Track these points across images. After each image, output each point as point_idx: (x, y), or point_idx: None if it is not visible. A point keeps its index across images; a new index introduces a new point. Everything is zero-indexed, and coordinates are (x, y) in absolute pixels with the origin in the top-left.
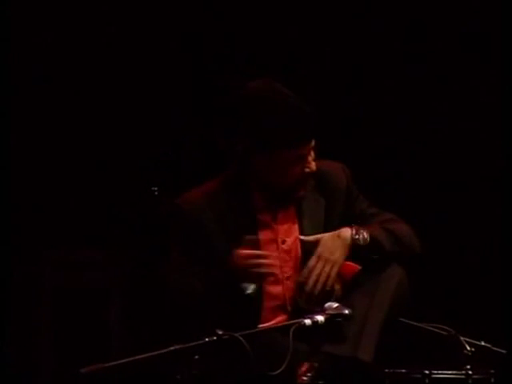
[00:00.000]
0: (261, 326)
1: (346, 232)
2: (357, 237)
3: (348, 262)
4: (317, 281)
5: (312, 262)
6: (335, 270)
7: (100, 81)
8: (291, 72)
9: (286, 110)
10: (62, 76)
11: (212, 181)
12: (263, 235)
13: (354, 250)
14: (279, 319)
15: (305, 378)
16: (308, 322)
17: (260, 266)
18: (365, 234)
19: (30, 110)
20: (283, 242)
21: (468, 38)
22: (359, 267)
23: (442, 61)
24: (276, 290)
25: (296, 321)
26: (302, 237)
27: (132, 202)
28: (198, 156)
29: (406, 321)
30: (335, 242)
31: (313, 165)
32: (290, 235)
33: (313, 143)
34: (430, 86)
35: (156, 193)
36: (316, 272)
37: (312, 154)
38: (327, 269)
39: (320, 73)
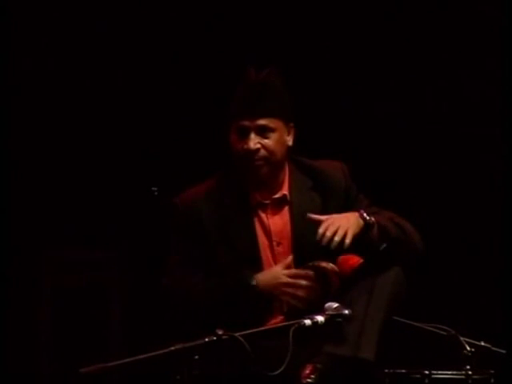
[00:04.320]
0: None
1: (355, 213)
2: (365, 215)
3: (350, 255)
4: (332, 238)
5: (328, 221)
6: (350, 233)
7: (100, 80)
8: (291, 72)
9: (241, 85)
10: (62, 76)
11: (209, 179)
12: (260, 237)
13: (363, 238)
14: (276, 321)
15: (308, 380)
16: (308, 322)
17: (300, 287)
18: (372, 217)
19: (30, 109)
20: (278, 244)
21: (468, 39)
22: (361, 260)
23: (442, 60)
24: None
25: (296, 321)
26: (311, 215)
27: (132, 202)
28: (198, 156)
29: (406, 321)
30: (347, 215)
31: (251, 143)
32: (284, 237)
33: (261, 122)
34: (431, 86)
35: (156, 193)
36: (332, 229)
37: (254, 135)
38: (342, 231)
39: (321, 72)
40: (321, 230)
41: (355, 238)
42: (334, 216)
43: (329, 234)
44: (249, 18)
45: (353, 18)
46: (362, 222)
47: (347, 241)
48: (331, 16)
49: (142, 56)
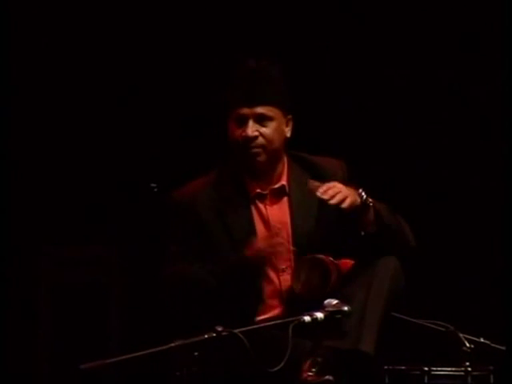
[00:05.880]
0: (259, 321)
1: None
2: (363, 194)
3: (344, 258)
4: (333, 196)
5: (330, 183)
6: (348, 200)
7: (99, 79)
8: (292, 71)
9: (238, 72)
10: (62, 76)
11: (207, 173)
12: (259, 226)
13: (357, 219)
14: (275, 311)
15: (309, 374)
16: (307, 318)
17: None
18: (370, 199)
19: (30, 109)
20: (277, 234)
21: (468, 38)
22: (353, 262)
23: (442, 60)
24: (272, 281)
25: (295, 318)
26: (311, 182)
27: (131, 198)
28: (197, 152)
29: (405, 317)
30: (348, 188)
31: (249, 130)
32: (283, 227)
33: (259, 110)
34: (431, 86)
35: (155, 189)
36: (335, 190)
37: (252, 123)
38: (341, 195)
39: (322, 71)
40: (321, 190)
41: (351, 208)
42: (336, 183)
43: (330, 194)
44: (247, 12)
45: (353, 15)
46: (359, 199)
47: (344, 205)
48: (331, 13)
49: (140, 54)
